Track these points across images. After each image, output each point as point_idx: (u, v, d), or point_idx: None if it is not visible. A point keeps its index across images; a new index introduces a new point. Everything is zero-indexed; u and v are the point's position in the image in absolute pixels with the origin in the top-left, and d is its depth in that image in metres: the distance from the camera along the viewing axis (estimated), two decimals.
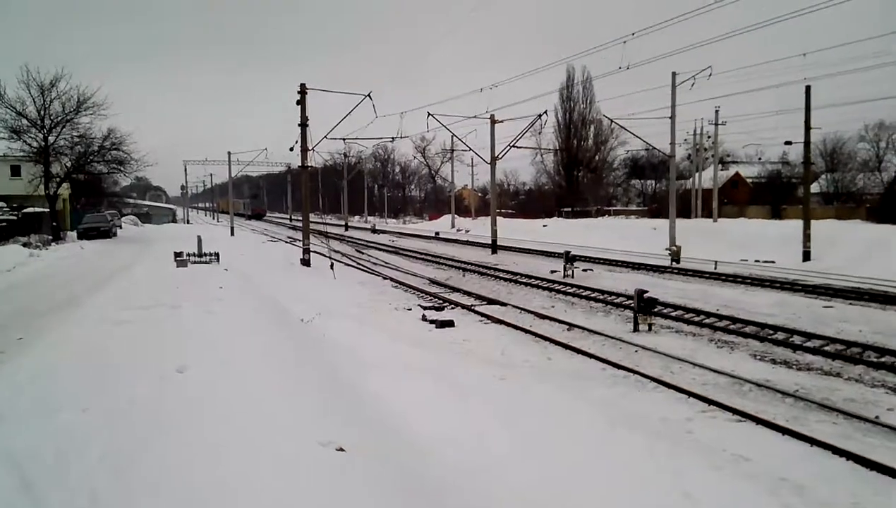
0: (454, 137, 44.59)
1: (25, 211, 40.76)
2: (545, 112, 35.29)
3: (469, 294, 20.88)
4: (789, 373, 11.42)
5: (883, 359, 11.94)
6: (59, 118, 39.57)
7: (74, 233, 43.65)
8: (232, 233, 51.61)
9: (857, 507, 6.53)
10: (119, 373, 8.59)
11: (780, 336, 13.91)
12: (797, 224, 31.33)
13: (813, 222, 30.24)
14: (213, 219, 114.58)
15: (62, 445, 6.23)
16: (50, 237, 37.99)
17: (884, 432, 8.50)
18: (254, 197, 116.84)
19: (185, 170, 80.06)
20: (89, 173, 47.01)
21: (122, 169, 46.07)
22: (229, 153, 57.39)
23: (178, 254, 24.20)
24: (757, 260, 29.80)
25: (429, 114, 33.31)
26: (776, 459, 7.58)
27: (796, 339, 13.60)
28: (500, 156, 37.40)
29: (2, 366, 9.87)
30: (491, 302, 19.22)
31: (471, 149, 41.14)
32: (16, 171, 45.21)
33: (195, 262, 24.05)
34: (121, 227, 58.26)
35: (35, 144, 39.74)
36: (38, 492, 5.28)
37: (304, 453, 6.08)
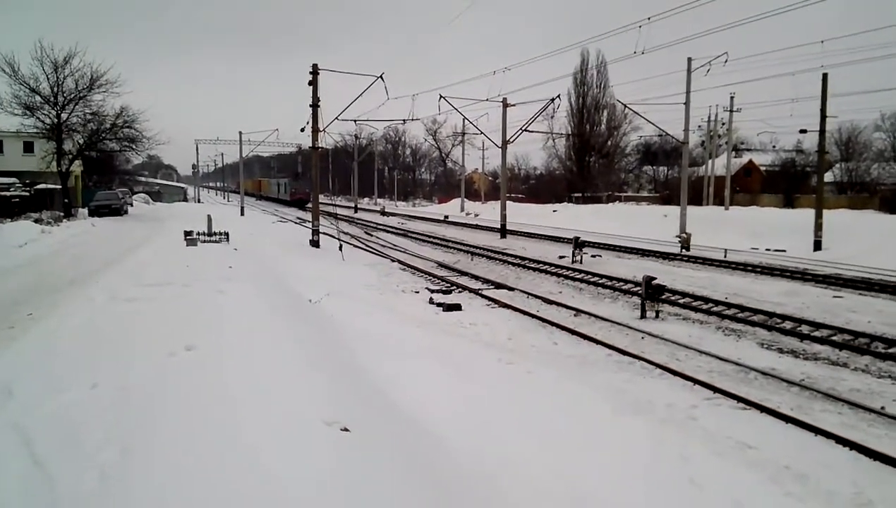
0: (465, 120, 44.45)
1: (38, 187, 41.05)
2: (558, 96, 35.10)
3: (477, 278, 20.90)
4: (796, 362, 11.40)
5: (891, 350, 11.89)
6: (73, 95, 39.71)
7: (86, 211, 43.91)
8: (242, 213, 51.76)
9: (859, 496, 6.54)
10: (128, 350, 8.67)
11: (788, 325, 13.87)
12: (809, 213, 31.09)
13: (825, 212, 29.99)
14: (224, 198, 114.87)
15: (72, 421, 6.32)
16: (62, 214, 38.25)
17: (888, 423, 8.49)
18: (295, 176, 78.48)
19: (197, 149, 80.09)
20: (101, 150, 47.27)
21: (133, 147, 46.29)
22: (240, 133, 57.32)
23: (188, 233, 24.30)
24: (768, 249, 29.62)
25: (441, 96, 33.11)
26: (780, 447, 7.60)
27: (804, 329, 13.55)
28: (511, 140, 37.25)
29: (12, 342, 10.00)
30: (499, 286, 19.24)
31: (482, 132, 41.08)
32: (29, 148, 45.51)
33: (205, 242, 24.14)
34: (132, 205, 58.52)
35: (48, 121, 39.91)
36: (49, 469, 5.36)
37: (309, 432, 6.14)
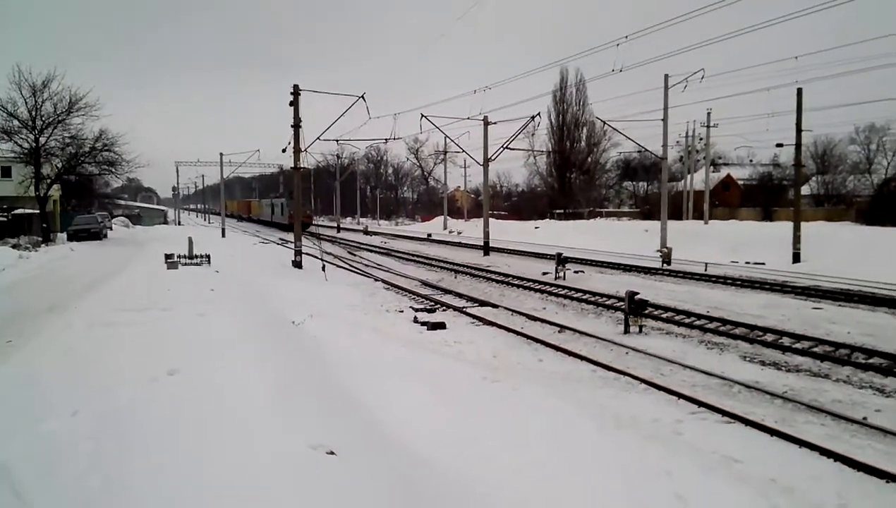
0: (447, 139, 44.57)
1: (15, 212, 40.58)
2: (538, 114, 35.41)
3: (461, 296, 20.90)
4: (778, 375, 11.50)
5: (871, 361, 12.03)
6: (51, 119, 39.43)
7: (64, 235, 43.42)
8: (223, 235, 51.47)
9: None
10: (109, 376, 8.56)
11: (770, 337, 14.00)
12: (787, 226, 31.51)
13: (803, 224, 30.42)
14: (205, 220, 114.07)
15: (52, 449, 6.21)
16: (40, 239, 37.81)
17: (871, 433, 8.57)
18: (290, 195, 62.63)
19: (177, 171, 79.88)
20: (80, 174, 46.80)
21: (113, 170, 45.90)
22: (221, 154, 57.22)
23: (168, 256, 24.11)
24: (747, 262, 29.95)
25: (422, 115, 33.35)
26: (765, 460, 7.63)
27: (785, 341, 13.68)
28: (493, 158, 37.46)
29: None
30: (483, 303, 19.25)
31: (464, 150, 41.26)
32: (6, 172, 45.01)
33: (186, 264, 23.95)
34: (111, 229, 57.95)
35: (26, 145, 39.59)
36: (28, 499, 5.26)
37: (294, 456, 6.08)
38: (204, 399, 7.53)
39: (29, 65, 45.87)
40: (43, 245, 36.11)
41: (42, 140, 39.55)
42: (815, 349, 12.96)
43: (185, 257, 24.86)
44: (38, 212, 40.68)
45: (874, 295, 19.67)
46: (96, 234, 44.81)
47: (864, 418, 9.06)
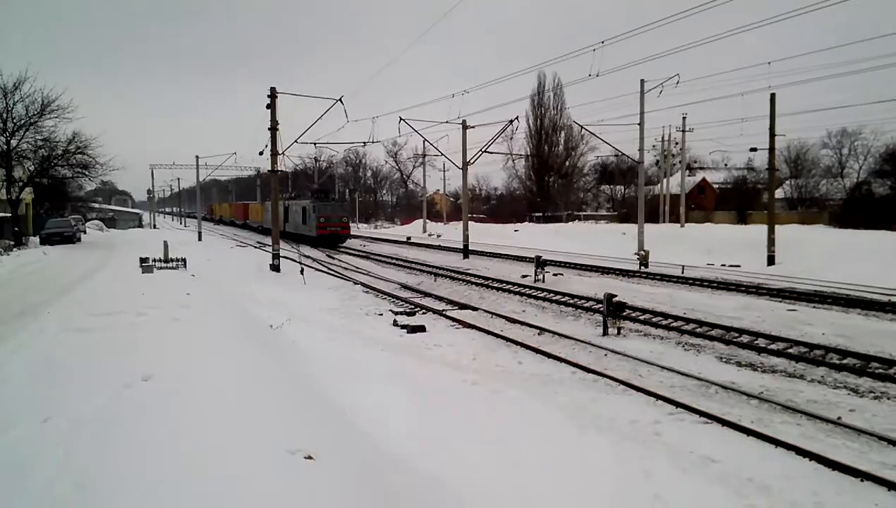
0: (426, 142, 44.51)
1: None
2: (517, 118, 35.57)
3: (441, 299, 20.87)
4: (754, 376, 11.62)
5: (845, 362, 12.20)
6: (23, 121, 38.75)
7: (37, 239, 42.67)
8: (199, 239, 50.92)
9: (820, 506, 6.65)
10: (82, 382, 8.38)
11: (746, 339, 14.15)
12: (762, 229, 31.94)
13: (777, 227, 30.84)
14: (181, 224, 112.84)
15: (22, 457, 6.06)
16: (12, 242, 37.13)
17: (845, 433, 8.68)
18: (322, 195, 48.50)
19: (152, 174, 78.98)
20: (53, 177, 45.97)
21: (86, 173, 45.15)
22: (197, 157, 56.77)
23: (143, 260, 23.77)
24: (723, 265, 30.30)
25: (400, 119, 33.27)
26: (742, 460, 7.70)
27: (761, 342, 13.84)
28: (471, 162, 37.50)
29: None
30: (462, 306, 19.23)
31: (442, 154, 41.28)
32: None
33: (161, 268, 23.64)
34: (85, 232, 57.04)
35: None
36: None
37: (271, 461, 6.00)
38: (179, 405, 7.40)
39: None
40: (15, 249, 35.46)
41: (14, 142, 38.85)
42: (791, 350, 13.12)
43: (160, 261, 24.54)
44: (9, 215, 39.94)
45: (847, 296, 19.98)
46: (70, 238, 44.09)
47: (839, 418, 9.18)
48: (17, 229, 39.36)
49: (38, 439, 6.44)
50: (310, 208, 45.50)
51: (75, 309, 14.59)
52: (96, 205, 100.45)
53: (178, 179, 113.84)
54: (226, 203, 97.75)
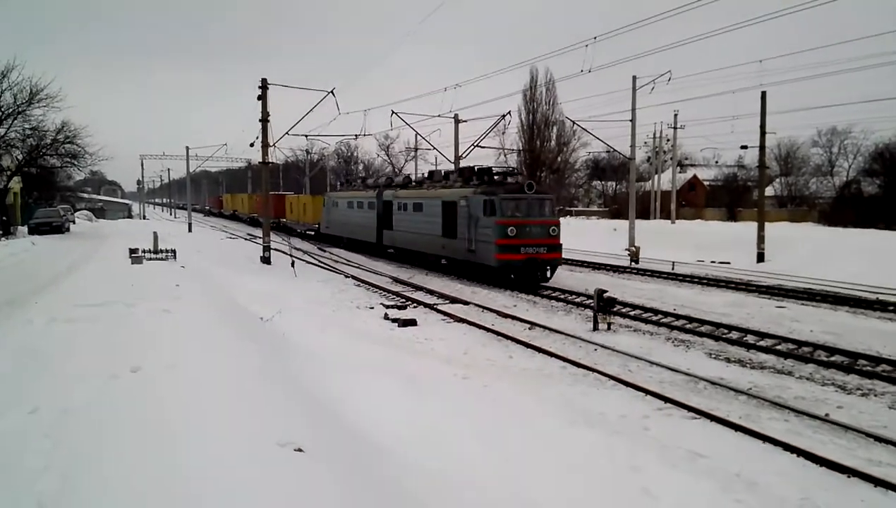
0: (418, 136, 44.36)
1: None
2: (509, 112, 35.27)
3: (432, 292, 20.86)
4: (743, 372, 11.68)
5: (833, 359, 12.29)
6: (11, 109, 38.23)
7: (25, 229, 42.30)
8: (190, 230, 50.65)
9: (806, 502, 6.70)
10: (70, 373, 8.32)
11: (735, 335, 14.22)
12: (752, 226, 32.09)
13: (767, 224, 30.99)
14: (171, 214, 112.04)
15: (8, 448, 6.01)
16: (0, 232, 36.78)
17: (833, 429, 8.75)
18: (491, 178, 24.53)
19: (142, 164, 78.50)
20: (42, 167, 45.52)
21: (75, 163, 44.70)
22: (188, 148, 56.39)
23: (133, 251, 23.60)
24: (713, 261, 30.41)
25: (392, 112, 33.05)
26: (730, 455, 7.75)
27: (750, 338, 13.92)
28: (464, 156, 37.43)
29: None
30: (454, 300, 19.23)
31: (434, 148, 41.00)
32: None
33: (151, 259, 23.50)
34: (74, 222, 56.57)
35: None
36: None
37: (261, 454, 5.98)
38: (168, 396, 7.37)
39: None
40: (3, 238, 35.19)
41: (1, 131, 38.43)
42: (779, 346, 13.20)
43: (150, 252, 24.39)
44: None
45: (836, 294, 20.12)
46: (58, 228, 43.69)
47: (827, 414, 9.25)
48: (4, 219, 39.04)
49: (26, 430, 6.39)
50: (482, 205, 22.50)
51: (64, 299, 14.47)
52: (85, 196, 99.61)
53: (168, 170, 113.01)
54: (243, 194, 74.34)
